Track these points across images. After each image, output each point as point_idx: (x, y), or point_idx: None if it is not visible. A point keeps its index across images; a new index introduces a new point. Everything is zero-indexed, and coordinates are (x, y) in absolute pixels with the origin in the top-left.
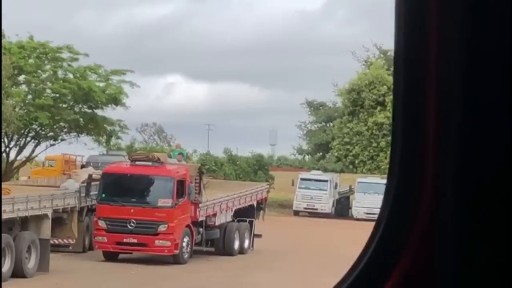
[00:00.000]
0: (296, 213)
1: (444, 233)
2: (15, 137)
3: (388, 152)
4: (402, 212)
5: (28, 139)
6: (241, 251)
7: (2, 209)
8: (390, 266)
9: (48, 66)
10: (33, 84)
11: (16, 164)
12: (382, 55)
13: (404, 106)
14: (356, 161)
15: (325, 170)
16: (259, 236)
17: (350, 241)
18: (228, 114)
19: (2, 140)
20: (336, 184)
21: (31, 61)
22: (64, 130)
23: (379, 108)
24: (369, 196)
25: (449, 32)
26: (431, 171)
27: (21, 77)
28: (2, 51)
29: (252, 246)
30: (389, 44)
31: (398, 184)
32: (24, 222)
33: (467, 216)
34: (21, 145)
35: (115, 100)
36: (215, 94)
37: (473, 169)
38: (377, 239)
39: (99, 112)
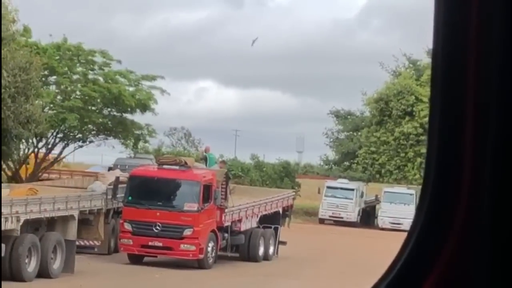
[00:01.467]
0: (322, 221)
1: (478, 244)
2: (44, 138)
3: (416, 163)
4: (436, 222)
5: (57, 140)
6: (266, 257)
7: (29, 209)
8: (422, 276)
9: (79, 69)
10: (63, 85)
11: (44, 165)
12: (411, 65)
13: (441, 116)
14: (383, 171)
15: (352, 179)
16: (284, 243)
17: (376, 251)
18: (257, 120)
19: (31, 140)
20: (362, 193)
21: (63, 62)
22: (93, 132)
23: (406, 118)
24: (395, 206)
25: (489, 38)
26: (467, 182)
27: (52, 78)
28: (35, 50)
29: (277, 253)
30: (420, 54)
31: (433, 194)
32: (51, 223)
33: (502, 228)
34: (50, 146)
35: (144, 106)
36: (245, 100)
37: (510, 181)
38: (409, 249)
39: (128, 115)
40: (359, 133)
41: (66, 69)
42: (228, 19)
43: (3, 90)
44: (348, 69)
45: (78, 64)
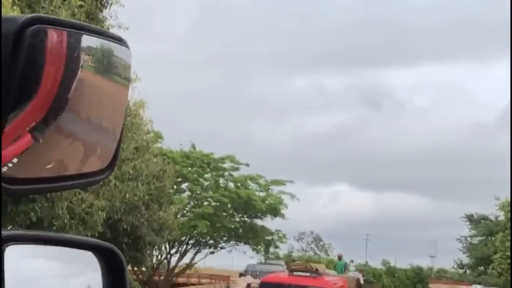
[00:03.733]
0: None
1: None
2: (176, 244)
3: None
4: None
5: (189, 246)
6: None
7: None
8: None
9: (209, 175)
10: (195, 192)
11: (176, 270)
12: None
13: None
14: None
15: (487, 284)
16: None
17: None
18: (389, 224)
19: (164, 246)
20: None
21: (194, 169)
22: (224, 238)
23: None
24: None
25: None
26: None
27: (184, 185)
28: (167, 159)
29: None
30: None
31: None
32: None
33: None
34: (182, 252)
35: (274, 210)
36: (379, 204)
37: None
38: None
39: (258, 221)
40: (493, 238)
41: (196, 175)
42: (364, 122)
43: (137, 198)
44: (487, 171)
45: (208, 171)
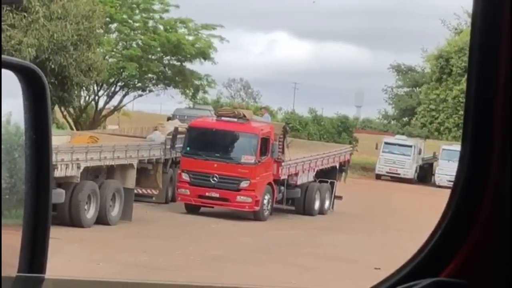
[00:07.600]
0: (378, 176)
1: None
2: (105, 85)
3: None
4: (474, 180)
5: (117, 88)
6: (321, 211)
7: (90, 156)
8: (463, 235)
9: (138, 17)
10: (124, 33)
11: (104, 112)
12: None
13: (478, 74)
14: (441, 128)
15: (410, 135)
16: (339, 197)
17: (431, 208)
18: (321, 74)
19: (92, 88)
20: (420, 150)
21: (123, 9)
22: (152, 81)
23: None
24: (453, 163)
25: None
26: (498, 140)
27: (113, 26)
28: None
29: (332, 207)
30: None
31: (471, 152)
32: (110, 171)
33: None
34: (110, 94)
35: (203, 54)
36: (316, 53)
37: None
38: (452, 208)
39: (187, 65)
40: (419, 90)
41: (126, 16)
42: None
43: (65, 38)
44: (427, 23)
45: (137, 12)
